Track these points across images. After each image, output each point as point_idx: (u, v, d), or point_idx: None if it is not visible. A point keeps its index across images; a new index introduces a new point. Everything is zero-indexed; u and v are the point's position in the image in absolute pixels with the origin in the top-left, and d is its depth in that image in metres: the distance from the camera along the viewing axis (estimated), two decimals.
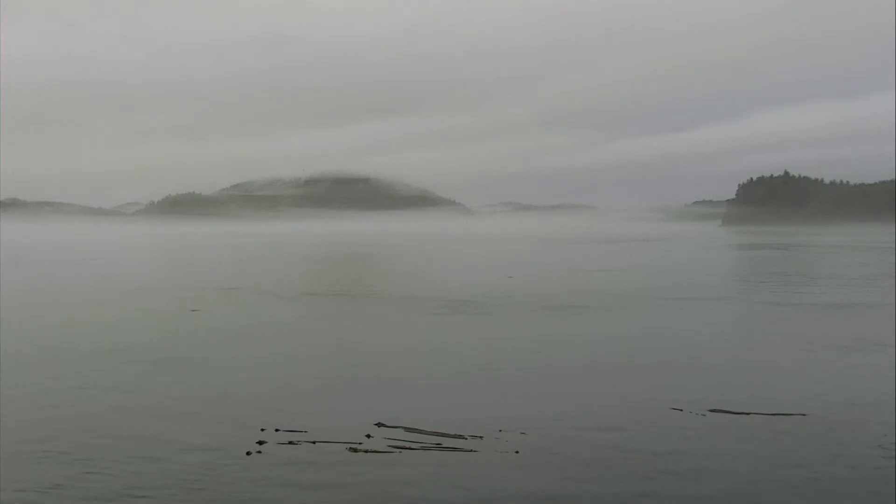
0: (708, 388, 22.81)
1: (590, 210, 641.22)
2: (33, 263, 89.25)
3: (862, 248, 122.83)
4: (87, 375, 24.76)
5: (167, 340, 31.99)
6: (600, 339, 32.73)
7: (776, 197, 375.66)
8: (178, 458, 16.50)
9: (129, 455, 16.65)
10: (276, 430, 18.16)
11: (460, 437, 17.74)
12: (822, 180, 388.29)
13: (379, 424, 18.67)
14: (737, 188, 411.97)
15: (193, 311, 41.58)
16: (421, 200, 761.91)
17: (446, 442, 17.42)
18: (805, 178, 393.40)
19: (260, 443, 17.36)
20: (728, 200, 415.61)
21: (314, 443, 17.40)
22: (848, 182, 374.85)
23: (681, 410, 20.21)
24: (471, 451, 16.92)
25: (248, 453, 16.74)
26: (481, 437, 17.72)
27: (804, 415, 19.76)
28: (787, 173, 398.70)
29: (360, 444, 17.29)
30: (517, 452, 16.82)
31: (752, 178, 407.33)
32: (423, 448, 17.04)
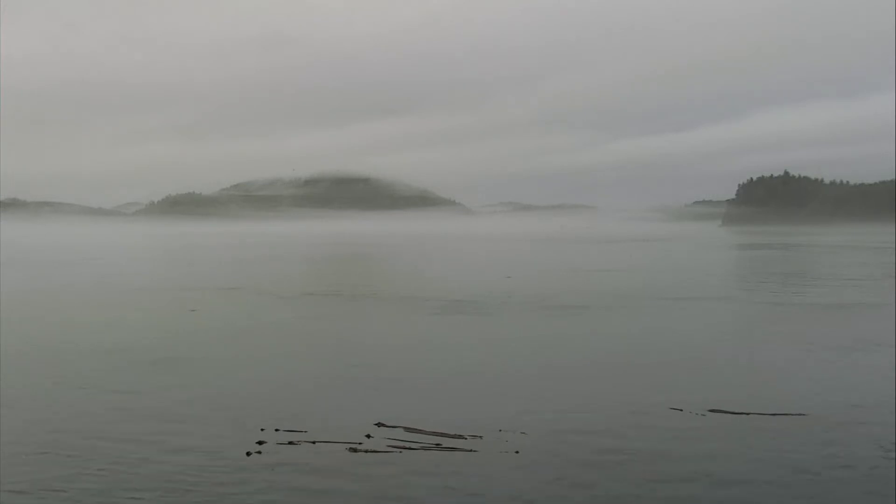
0: (708, 388, 22.81)
1: (590, 210, 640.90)
2: (33, 263, 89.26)
3: (862, 248, 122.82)
4: (87, 375, 24.75)
5: (167, 340, 31.99)
6: (600, 339, 32.73)
7: (776, 197, 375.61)
8: (178, 458, 16.50)
9: (129, 455, 16.64)
10: (276, 431, 18.16)
11: (460, 437, 17.74)
12: (822, 180, 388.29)
13: (379, 424, 18.67)
14: (737, 188, 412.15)
15: (193, 311, 41.58)
16: (421, 200, 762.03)
17: (446, 442, 17.43)
18: (805, 178, 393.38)
19: (260, 443, 17.36)
20: (728, 200, 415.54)
21: (314, 443, 17.40)
22: (848, 182, 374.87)
23: (680, 410, 20.20)
24: (471, 451, 16.92)
25: (248, 453, 16.74)
26: (481, 437, 17.72)
27: (804, 415, 19.76)
28: (787, 173, 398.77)
29: (360, 444, 17.29)
30: (517, 452, 16.82)
31: (752, 178, 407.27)
32: (423, 448, 17.05)
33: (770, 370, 25.99)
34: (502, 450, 16.98)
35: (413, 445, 17.20)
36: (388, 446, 17.14)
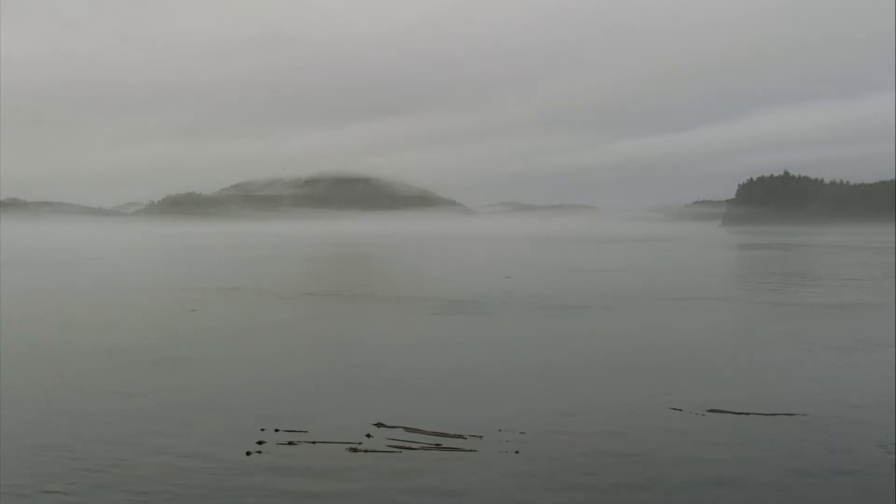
0: (707, 388, 22.81)
1: (590, 210, 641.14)
2: (33, 263, 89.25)
3: (862, 248, 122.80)
4: (87, 375, 24.74)
5: (167, 340, 31.99)
6: (600, 339, 32.72)
7: (776, 197, 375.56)
8: (178, 458, 16.49)
9: (129, 455, 16.64)
10: (276, 431, 18.16)
11: (460, 436, 17.74)
12: (822, 180, 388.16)
13: (379, 424, 18.67)
14: (737, 188, 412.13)
15: (193, 311, 41.58)
16: (421, 200, 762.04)
17: (446, 442, 17.43)
18: (805, 178, 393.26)
19: (259, 443, 17.36)
20: (728, 200, 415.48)
21: (314, 443, 17.41)
22: (848, 182, 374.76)
23: (680, 410, 20.20)
24: (470, 450, 16.92)
25: (248, 453, 16.74)
26: (481, 437, 17.72)
27: (804, 415, 19.76)
28: (787, 173, 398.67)
29: (359, 444, 17.29)
30: (517, 452, 16.82)
31: (752, 178, 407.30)
32: (423, 448, 17.05)
33: (770, 370, 25.99)
34: (502, 450, 16.98)
35: (413, 445, 17.20)
36: (388, 446, 17.14)
